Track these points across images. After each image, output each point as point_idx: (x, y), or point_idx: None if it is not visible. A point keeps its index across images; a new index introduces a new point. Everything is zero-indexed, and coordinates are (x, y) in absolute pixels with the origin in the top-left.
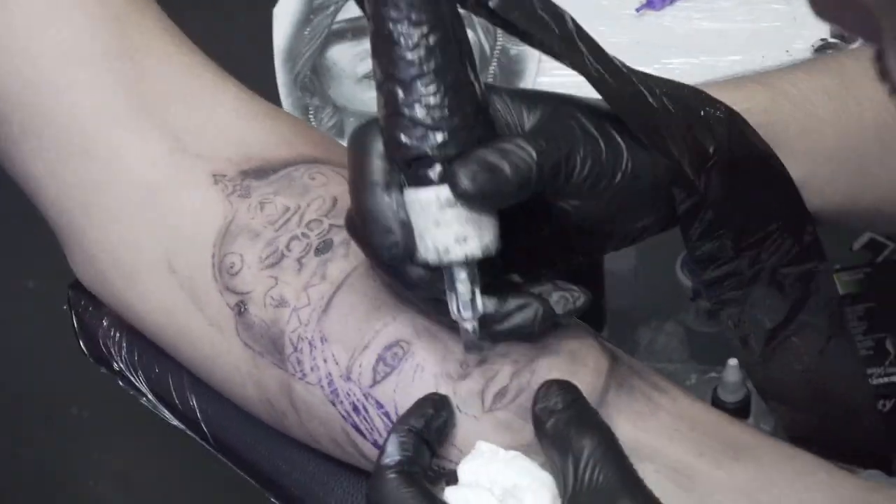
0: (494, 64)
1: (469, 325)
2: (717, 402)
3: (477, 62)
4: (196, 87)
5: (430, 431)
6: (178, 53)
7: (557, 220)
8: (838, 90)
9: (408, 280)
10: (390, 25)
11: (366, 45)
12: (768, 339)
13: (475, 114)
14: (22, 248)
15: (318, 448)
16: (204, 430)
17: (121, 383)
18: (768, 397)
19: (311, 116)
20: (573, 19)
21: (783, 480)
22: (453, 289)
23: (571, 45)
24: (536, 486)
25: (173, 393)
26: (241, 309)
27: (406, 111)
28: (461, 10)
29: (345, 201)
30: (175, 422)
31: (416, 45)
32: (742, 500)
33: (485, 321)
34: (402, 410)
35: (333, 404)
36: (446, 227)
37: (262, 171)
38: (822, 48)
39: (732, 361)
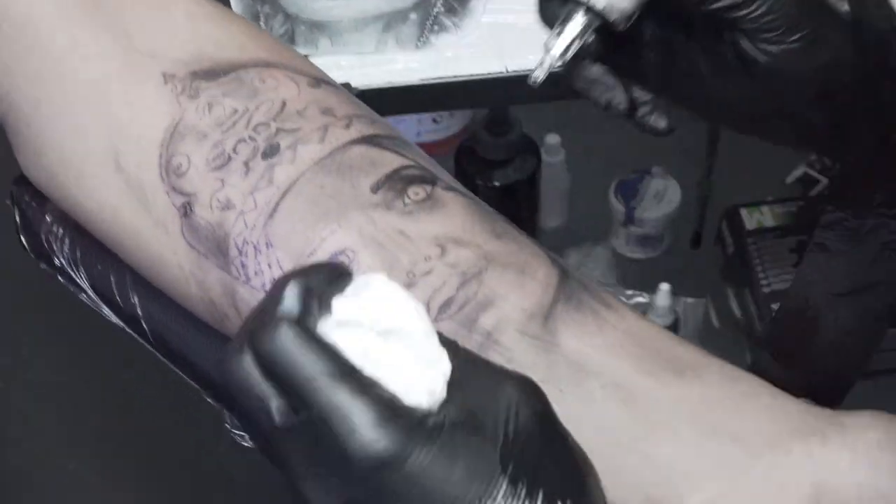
0: None
1: (548, 60)
2: None
3: None
4: None
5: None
6: None
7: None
8: None
9: None
10: None
11: None
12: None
13: None
14: None
15: None
16: (144, 328)
17: (61, 279)
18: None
19: (261, 23)
20: None
21: (727, 401)
22: (562, 25)
23: None
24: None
25: (115, 291)
26: (186, 210)
27: None
28: None
29: (294, 105)
30: (115, 319)
31: None
32: (685, 419)
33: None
34: None
35: None
36: None
37: (212, 73)
38: None
39: (664, 286)
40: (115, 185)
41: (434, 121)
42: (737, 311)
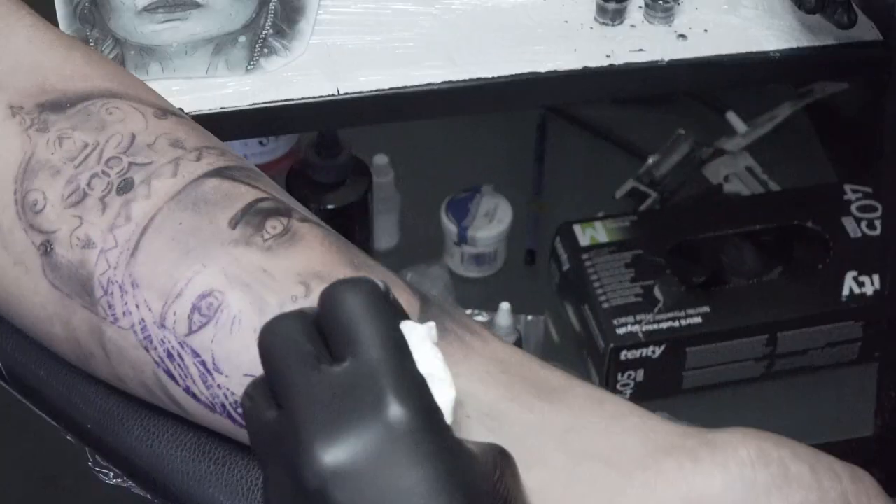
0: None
1: None
2: None
3: None
4: None
5: None
6: None
7: None
8: None
9: None
10: None
11: None
12: None
13: None
14: None
15: (124, 389)
16: None
17: None
18: None
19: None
20: None
21: (595, 423)
22: None
23: None
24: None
25: None
26: (46, 248)
27: None
28: None
29: (143, 138)
30: None
31: None
32: (553, 443)
33: None
34: (219, 361)
35: (146, 349)
36: None
37: (59, 105)
38: None
39: (504, 305)
40: None
41: (261, 143)
42: (577, 326)
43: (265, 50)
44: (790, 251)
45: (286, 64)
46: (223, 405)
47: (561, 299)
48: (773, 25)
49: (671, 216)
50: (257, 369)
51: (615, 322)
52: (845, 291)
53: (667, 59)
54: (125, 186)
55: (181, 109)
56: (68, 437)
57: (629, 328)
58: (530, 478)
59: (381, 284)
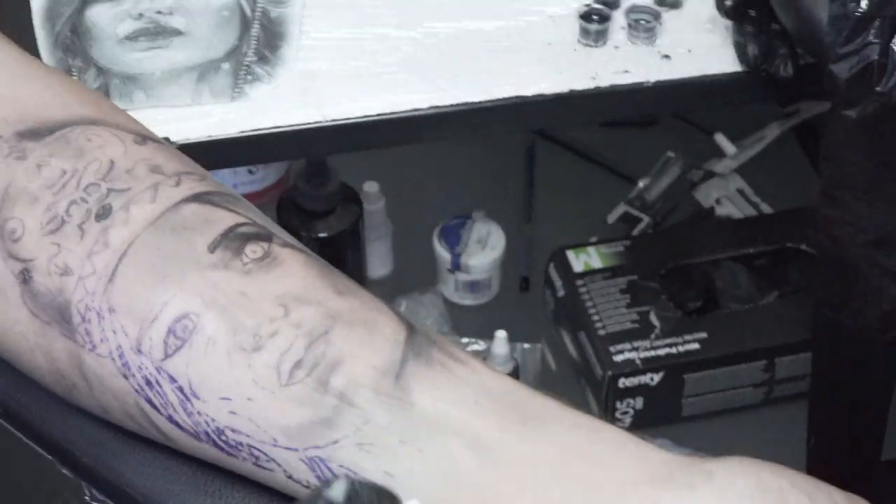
0: (256, 26)
1: None
2: None
3: (238, 25)
4: None
5: None
6: None
7: None
8: None
9: None
10: None
11: (124, 5)
12: None
13: None
14: None
15: (111, 420)
16: None
17: None
18: None
19: (74, 77)
20: None
21: (590, 452)
22: None
23: None
24: None
25: None
26: (25, 277)
27: None
28: None
29: (122, 164)
30: None
31: None
32: (547, 473)
33: None
34: (195, 385)
35: (125, 377)
36: None
37: (37, 133)
38: (587, 14)
39: (500, 333)
40: None
41: (250, 172)
42: (574, 353)
43: (249, 77)
44: (785, 274)
45: (271, 91)
46: (206, 433)
47: (557, 326)
48: None
49: (664, 240)
50: (233, 392)
51: (612, 349)
52: None
53: (652, 79)
54: (103, 213)
55: (166, 139)
56: (65, 472)
57: (626, 355)
58: None
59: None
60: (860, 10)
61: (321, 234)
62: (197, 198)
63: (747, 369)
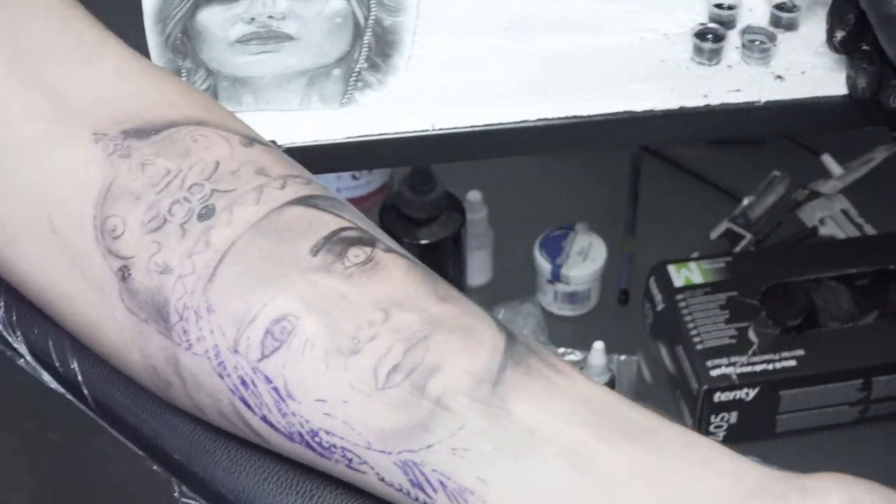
0: (369, 34)
1: None
2: None
3: (351, 32)
4: (77, 43)
5: None
6: (60, 6)
7: None
8: None
9: None
10: None
11: (237, 9)
12: None
13: None
14: None
15: (204, 419)
16: (84, 393)
17: None
18: None
19: (183, 79)
20: None
21: (686, 466)
22: None
23: None
24: None
25: (53, 355)
26: (124, 274)
27: None
28: None
29: (227, 165)
30: (55, 385)
31: None
32: (642, 485)
33: None
34: (291, 387)
35: (221, 377)
36: None
37: (143, 132)
38: (702, 33)
39: (598, 344)
40: (49, 248)
41: (354, 177)
42: (670, 367)
43: (359, 84)
44: (885, 295)
45: (380, 98)
46: (300, 434)
47: (654, 339)
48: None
49: (766, 258)
50: (328, 395)
51: (709, 364)
52: None
53: (763, 99)
54: (206, 213)
55: (273, 142)
56: (155, 468)
57: (723, 370)
58: None
59: None
60: None
61: (423, 241)
62: (302, 201)
63: (843, 388)
